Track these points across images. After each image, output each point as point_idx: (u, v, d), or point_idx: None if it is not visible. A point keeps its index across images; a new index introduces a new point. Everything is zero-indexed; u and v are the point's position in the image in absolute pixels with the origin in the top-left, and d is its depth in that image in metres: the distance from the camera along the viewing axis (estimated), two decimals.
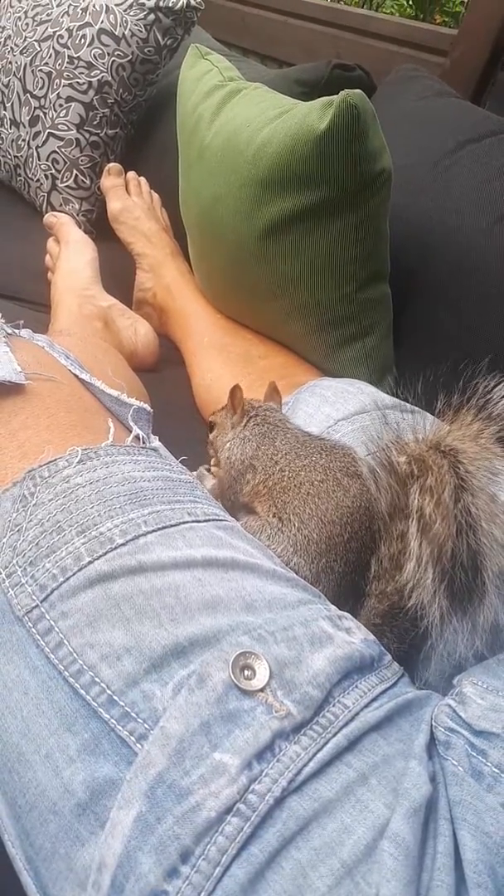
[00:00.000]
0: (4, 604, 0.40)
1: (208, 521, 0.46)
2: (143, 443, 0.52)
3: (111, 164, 1.19)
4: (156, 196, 1.20)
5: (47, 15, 1.25)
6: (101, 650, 0.37)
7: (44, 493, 0.43)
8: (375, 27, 1.50)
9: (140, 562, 0.40)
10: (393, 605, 0.48)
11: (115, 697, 0.36)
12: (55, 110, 1.24)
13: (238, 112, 0.85)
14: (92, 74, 1.20)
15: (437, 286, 0.90)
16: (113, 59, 1.19)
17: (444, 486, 0.45)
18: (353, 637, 0.41)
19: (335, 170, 0.73)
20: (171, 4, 1.17)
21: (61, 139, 1.25)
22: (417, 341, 0.92)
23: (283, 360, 0.93)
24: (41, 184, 1.30)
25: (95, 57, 1.19)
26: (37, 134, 1.27)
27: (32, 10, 1.27)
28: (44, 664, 0.38)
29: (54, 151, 1.26)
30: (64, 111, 1.23)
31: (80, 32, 1.20)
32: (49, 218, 1.15)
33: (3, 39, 1.32)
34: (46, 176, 1.28)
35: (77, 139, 1.24)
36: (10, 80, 1.30)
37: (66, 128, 1.24)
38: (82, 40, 1.20)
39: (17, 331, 0.56)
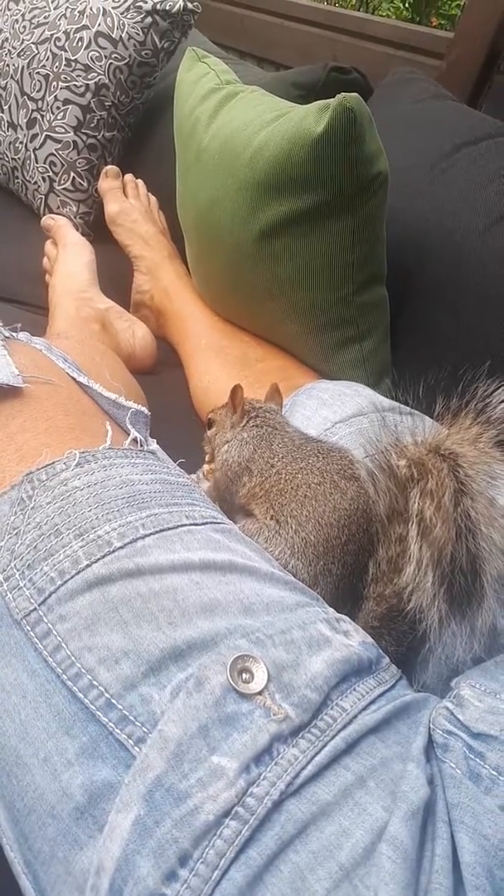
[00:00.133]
0: (2, 607, 0.40)
1: (206, 524, 0.46)
2: (141, 446, 0.52)
3: (109, 167, 1.19)
4: (153, 198, 1.21)
5: (44, 18, 1.25)
6: (99, 653, 0.37)
7: (42, 496, 0.43)
8: (372, 30, 1.50)
9: (138, 565, 0.40)
10: (391, 608, 0.48)
11: (114, 701, 0.36)
12: (52, 113, 1.24)
13: (235, 115, 0.85)
14: (89, 77, 1.20)
15: (435, 288, 0.90)
16: (110, 61, 1.19)
17: (445, 490, 0.45)
18: (351, 640, 0.41)
19: (332, 173, 0.74)
20: (168, 7, 1.17)
21: (59, 142, 1.25)
22: (415, 343, 0.93)
23: (280, 362, 0.93)
24: (38, 186, 1.30)
25: (93, 60, 1.19)
26: (34, 136, 1.27)
27: (30, 12, 1.28)
28: (42, 667, 0.38)
29: (52, 154, 1.26)
30: (61, 114, 1.23)
31: (78, 35, 1.20)
32: (47, 220, 1.15)
33: (0, 42, 1.32)
34: (44, 178, 1.28)
35: (74, 142, 1.24)
36: (7, 83, 1.30)
37: (63, 130, 1.24)
38: (79, 43, 1.20)
39: (14, 334, 0.56)
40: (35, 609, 0.39)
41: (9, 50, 1.29)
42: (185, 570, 0.41)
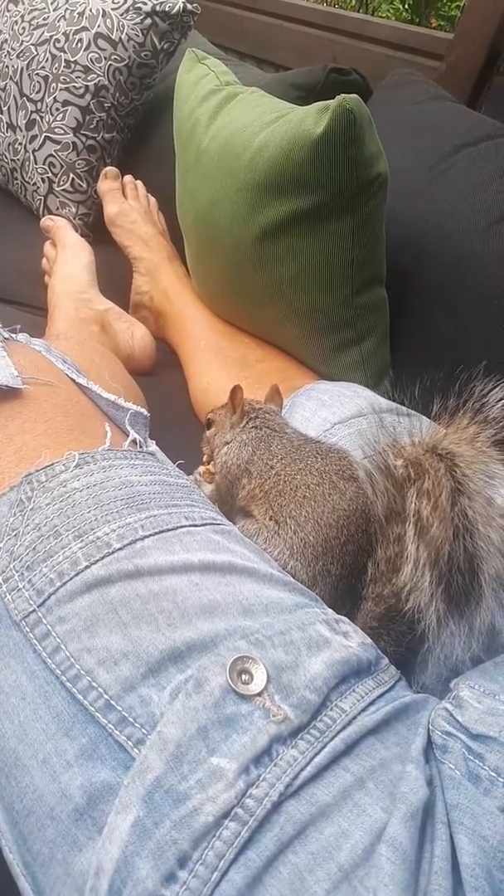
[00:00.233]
0: (1, 608, 0.40)
1: (205, 524, 0.46)
2: (140, 447, 0.52)
3: (108, 168, 1.19)
4: (153, 200, 1.21)
5: (44, 19, 1.25)
6: (99, 655, 0.37)
7: (41, 497, 0.43)
8: (371, 31, 1.50)
9: (137, 566, 0.40)
10: (390, 609, 0.48)
11: (113, 702, 0.36)
12: (52, 114, 1.24)
13: (235, 116, 0.85)
14: (89, 78, 1.20)
15: (434, 289, 0.90)
16: (110, 63, 1.20)
17: (442, 490, 0.45)
18: (350, 641, 0.41)
19: (331, 174, 0.74)
20: (167, 9, 1.17)
21: (58, 143, 1.25)
22: (414, 344, 0.93)
23: (279, 363, 0.93)
24: (38, 187, 1.30)
25: (92, 61, 1.19)
26: (33, 137, 1.27)
27: (29, 13, 1.28)
28: (41, 669, 0.38)
29: (51, 155, 1.26)
30: (61, 115, 1.23)
31: (77, 36, 1.20)
32: (46, 221, 1.15)
33: None
34: (43, 179, 1.28)
35: (74, 143, 1.24)
36: (6, 84, 1.30)
37: (62, 131, 1.24)
38: (79, 44, 1.20)
39: (13, 335, 0.57)
40: (34, 610, 0.39)
41: (8, 51, 1.29)
42: (184, 572, 0.41)
